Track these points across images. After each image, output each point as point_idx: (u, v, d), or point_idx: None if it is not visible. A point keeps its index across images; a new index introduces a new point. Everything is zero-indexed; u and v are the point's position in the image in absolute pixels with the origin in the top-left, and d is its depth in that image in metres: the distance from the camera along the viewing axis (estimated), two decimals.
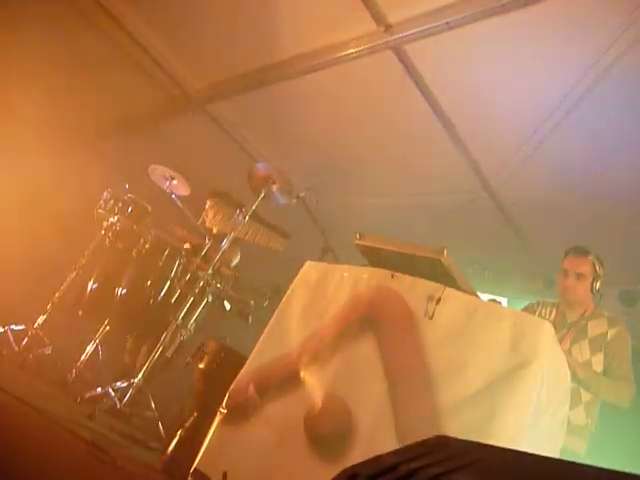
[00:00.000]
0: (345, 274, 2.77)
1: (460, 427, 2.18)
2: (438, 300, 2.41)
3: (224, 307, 4.44)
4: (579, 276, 3.26)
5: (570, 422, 2.74)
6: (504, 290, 6.04)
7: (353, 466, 0.81)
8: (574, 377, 2.98)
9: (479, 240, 5.71)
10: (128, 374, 3.78)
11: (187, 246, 4.62)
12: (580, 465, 0.61)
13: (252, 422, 2.65)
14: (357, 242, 2.71)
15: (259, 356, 2.83)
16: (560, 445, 2.62)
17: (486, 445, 0.79)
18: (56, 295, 4.32)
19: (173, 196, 4.42)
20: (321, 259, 4.19)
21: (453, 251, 5.53)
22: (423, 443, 0.85)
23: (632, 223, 4.77)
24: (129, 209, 4.42)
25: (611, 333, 3.21)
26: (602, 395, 3.10)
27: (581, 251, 3.26)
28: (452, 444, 0.81)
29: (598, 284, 3.14)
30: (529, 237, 5.58)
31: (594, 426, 3.15)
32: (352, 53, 4.31)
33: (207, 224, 4.52)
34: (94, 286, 4.36)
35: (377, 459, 0.81)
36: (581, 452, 3.08)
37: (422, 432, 2.21)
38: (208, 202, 4.39)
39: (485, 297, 5.71)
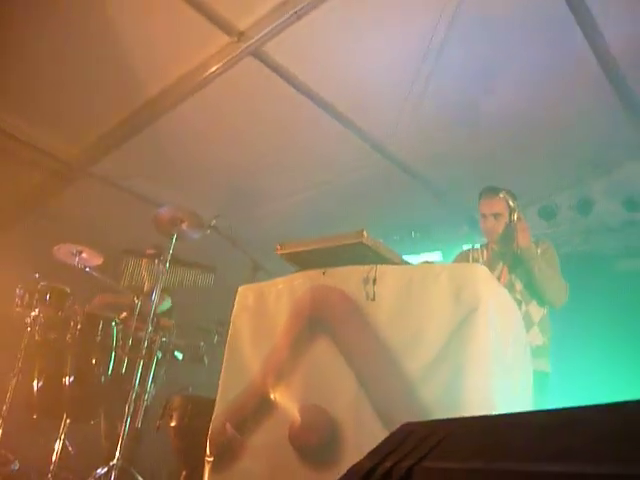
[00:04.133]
0: (279, 286, 2.76)
1: (435, 390, 2.23)
2: (374, 280, 2.44)
3: (176, 358, 4.35)
4: (496, 216, 3.38)
5: (530, 345, 2.84)
6: (436, 245, 6.18)
7: None
8: (515, 246, 3.17)
9: (397, 206, 5.83)
10: (110, 458, 3.64)
11: (124, 315, 4.48)
12: (538, 412, 0.63)
13: (241, 459, 2.61)
14: (279, 252, 2.71)
15: (225, 394, 2.79)
16: (531, 370, 2.72)
17: (450, 420, 0.81)
18: (4, 408, 4.11)
19: (87, 269, 4.29)
20: (253, 279, 4.16)
21: (376, 224, 5.61)
22: (391, 437, 0.86)
23: (530, 140, 4.96)
24: (47, 297, 4.26)
25: (540, 250, 3.36)
26: (537, 275, 3.20)
27: (492, 191, 3.37)
28: (417, 429, 0.82)
29: (515, 215, 3.24)
30: (441, 187, 5.73)
31: (550, 343, 3.30)
32: (215, 71, 4.31)
33: (130, 283, 4.40)
34: (40, 385, 4.16)
35: (355, 467, 0.82)
36: (547, 370, 3.24)
37: (402, 408, 2.25)
38: (124, 262, 4.28)
39: (420, 258, 5.86)
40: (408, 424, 0.87)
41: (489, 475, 0.56)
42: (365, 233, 2.44)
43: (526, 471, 0.52)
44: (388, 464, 0.74)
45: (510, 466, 0.54)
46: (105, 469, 3.59)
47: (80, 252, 4.31)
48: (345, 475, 0.83)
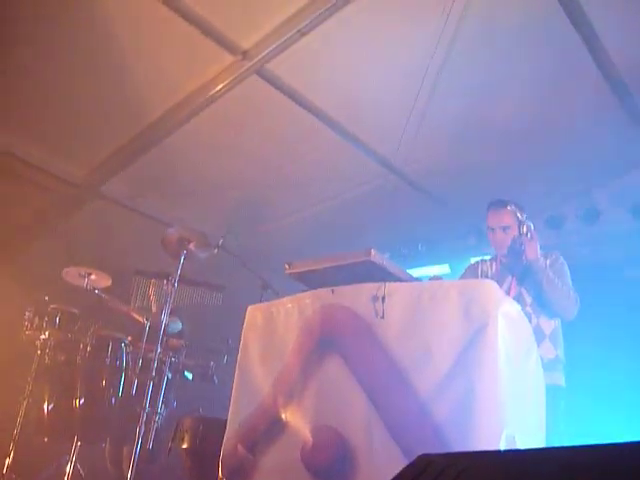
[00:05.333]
0: (288, 305, 2.77)
1: (447, 407, 2.22)
2: (383, 298, 2.44)
3: (186, 378, 4.35)
4: (505, 229, 3.38)
5: (542, 359, 2.82)
6: (443, 257, 6.16)
7: None
8: (524, 258, 3.17)
9: (404, 219, 5.81)
10: None
11: (129, 339, 4.48)
12: (556, 449, 0.62)
13: None
14: (288, 272, 2.71)
15: (236, 415, 2.78)
16: (543, 384, 2.69)
17: (468, 453, 0.80)
18: (15, 432, 4.10)
19: (96, 291, 4.30)
20: (261, 298, 4.16)
21: (383, 238, 5.60)
22: (408, 469, 0.85)
23: (534, 150, 4.95)
24: (57, 320, 4.27)
25: (549, 262, 3.35)
26: (546, 287, 3.18)
27: (499, 204, 3.36)
28: (435, 462, 0.81)
29: (524, 228, 3.23)
30: (447, 199, 5.72)
31: (563, 355, 3.26)
32: (220, 89, 4.33)
33: (139, 304, 4.41)
34: (50, 407, 4.16)
35: None
36: (562, 384, 3.22)
37: (414, 426, 2.24)
38: (134, 283, 4.30)
39: (429, 271, 5.84)
40: (425, 456, 0.87)
41: None
42: (373, 251, 2.44)
43: None
44: None
45: None
46: None
47: (89, 274, 4.33)
48: None
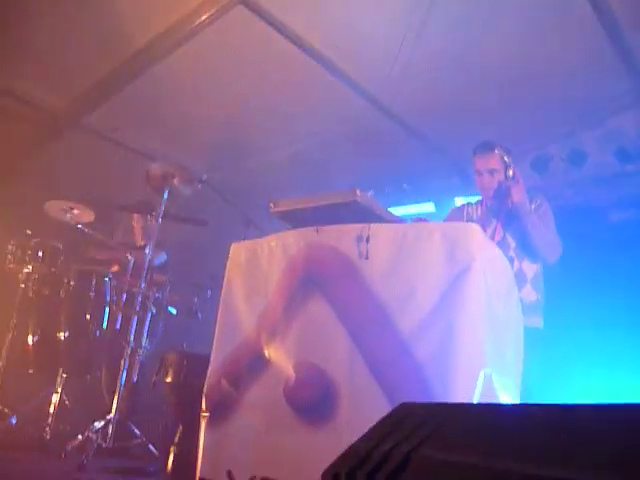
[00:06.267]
0: (272, 244, 2.76)
1: (428, 347, 2.26)
2: (367, 239, 2.44)
3: (170, 313, 4.38)
4: (492, 172, 3.37)
5: (522, 302, 2.87)
6: (427, 196, 6.15)
7: (332, 465, 0.82)
8: (510, 202, 3.18)
9: (388, 157, 5.76)
10: (108, 412, 3.69)
11: (115, 269, 4.48)
12: (531, 406, 0.63)
13: (236, 415, 2.66)
14: (273, 211, 2.70)
15: (220, 350, 2.81)
16: (522, 327, 2.75)
17: (448, 405, 0.81)
18: (0, 363, 4.15)
19: (79, 226, 4.26)
20: (245, 234, 4.14)
21: (367, 175, 5.56)
22: (389, 417, 0.87)
23: (522, 90, 4.88)
24: (40, 254, 4.25)
25: (534, 206, 3.37)
26: (531, 231, 3.22)
27: (487, 148, 3.35)
28: (415, 411, 0.82)
29: (511, 171, 3.22)
30: (433, 138, 5.66)
31: (544, 300, 3.33)
32: (205, 19, 4.19)
33: (123, 239, 4.38)
34: (35, 339, 4.20)
35: (352, 450, 0.82)
36: (540, 326, 3.30)
37: (394, 365, 2.29)
38: (117, 217, 4.26)
39: (413, 209, 5.84)
40: (406, 405, 0.88)
41: (484, 473, 0.56)
42: (358, 192, 2.43)
43: (521, 473, 0.52)
44: (386, 447, 0.75)
45: (505, 465, 0.54)
46: (102, 422, 3.65)
47: (71, 208, 4.27)
48: (343, 456, 0.83)
